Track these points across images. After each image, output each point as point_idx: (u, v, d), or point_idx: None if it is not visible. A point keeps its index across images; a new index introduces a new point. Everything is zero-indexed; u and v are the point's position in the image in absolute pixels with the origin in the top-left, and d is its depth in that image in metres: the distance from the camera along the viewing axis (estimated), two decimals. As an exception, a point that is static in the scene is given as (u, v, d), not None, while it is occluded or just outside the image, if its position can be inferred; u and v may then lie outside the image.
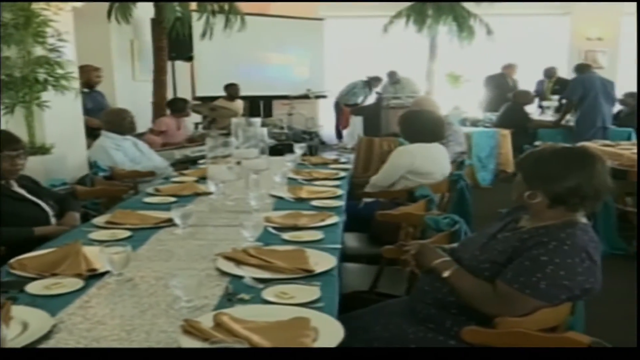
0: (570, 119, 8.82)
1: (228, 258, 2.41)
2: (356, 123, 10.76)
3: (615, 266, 4.73)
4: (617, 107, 9.05)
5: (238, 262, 2.37)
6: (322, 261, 2.40)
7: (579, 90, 8.33)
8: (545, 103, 10.06)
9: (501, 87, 10.39)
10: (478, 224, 2.46)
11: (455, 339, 2.08)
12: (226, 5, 8.72)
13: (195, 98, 10.22)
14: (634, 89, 9.68)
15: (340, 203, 3.52)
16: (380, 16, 11.55)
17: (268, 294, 2.07)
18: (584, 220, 2.18)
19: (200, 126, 8.29)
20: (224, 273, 2.28)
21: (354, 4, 12.26)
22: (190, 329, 1.74)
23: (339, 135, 12.23)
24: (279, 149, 6.76)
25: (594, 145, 6.35)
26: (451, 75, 12.53)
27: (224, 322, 1.77)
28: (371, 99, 11.55)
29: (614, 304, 4.08)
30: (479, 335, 1.96)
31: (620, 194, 5.09)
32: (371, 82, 11.88)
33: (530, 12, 12.60)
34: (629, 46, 12.60)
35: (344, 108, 11.98)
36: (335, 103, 12.20)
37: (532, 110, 9.59)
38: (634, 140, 7.75)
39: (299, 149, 5.09)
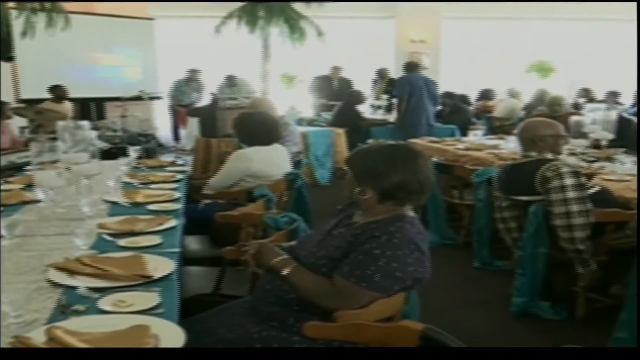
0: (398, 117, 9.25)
1: (60, 268, 2.29)
2: (193, 124, 10.63)
3: (447, 255, 5.05)
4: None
5: (71, 272, 2.26)
6: (161, 266, 2.34)
7: (406, 88, 8.73)
8: (376, 102, 10.47)
9: (325, 88, 10.66)
10: (319, 221, 2.52)
11: (299, 335, 2.11)
12: (48, 3, 8.28)
13: (20, 101, 9.63)
14: (454, 89, 10.35)
15: (179, 206, 3.46)
16: (213, 17, 11.47)
17: (104, 303, 1.99)
18: (411, 213, 2.31)
19: (26, 130, 7.80)
20: (56, 284, 2.17)
21: (184, 4, 12.07)
22: (20, 345, 1.64)
23: (176, 137, 12.02)
24: (113, 152, 6.53)
25: (421, 141, 6.69)
26: (285, 75, 12.72)
27: (57, 336, 1.68)
28: (206, 99, 11.46)
29: (447, 291, 4.34)
30: (320, 330, 2.02)
31: (447, 187, 5.39)
32: (192, 76, 11.76)
33: (358, 14, 13.04)
34: (449, 48, 13.46)
35: (179, 109, 11.80)
36: (170, 104, 11.99)
37: (365, 109, 9.94)
38: (458, 136, 8.26)
39: (133, 151, 4.94)
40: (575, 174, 3.65)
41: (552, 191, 3.62)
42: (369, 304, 2.10)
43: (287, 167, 4.36)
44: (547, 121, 4.16)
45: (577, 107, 8.48)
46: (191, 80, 11.81)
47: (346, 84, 10.99)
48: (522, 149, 4.01)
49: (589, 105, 8.12)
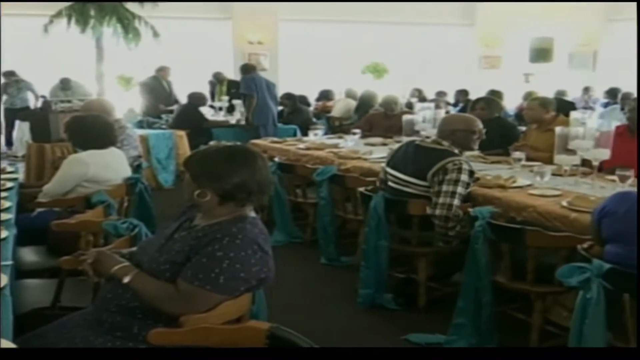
0: (240, 118, 9.27)
1: None
2: (24, 129, 10.01)
3: (294, 253, 5.13)
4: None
5: None
6: (-9, 281, 2.20)
7: (253, 87, 8.77)
8: (217, 104, 10.42)
9: (156, 90, 10.45)
10: (165, 225, 2.47)
11: (145, 344, 2.06)
12: None
13: None
14: (294, 90, 10.52)
15: (9, 216, 3.28)
16: (40, 15, 10.86)
17: None
18: (252, 214, 2.33)
19: None
20: None
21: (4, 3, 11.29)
22: None
23: (9, 142, 11.29)
24: None
25: (263, 142, 6.73)
26: (122, 77, 12.32)
27: None
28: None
29: (296, 288, 4.41)
30: (166, 336, 1.98)
31: (290, 187, 5.46)
32: (6, 80, 11.12)
33: (194, 15, 12.87)
34: (287, 49, 13.65)
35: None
36: (4, 109, 11.27)
37: (205, 110, 9.85)
38: (299, 136, 8.39)
39: (-45, 160, 4.59)
40: (471, 173, 3.81)
41: (445, 182, 3.72)
42: (215, 306, 2.10)
43: (126, 171, 4.23)
44: (463, 117, 4.31)
45: (409, 107, 8.89)
46: (8, 85, 11.12)
47: (170, 86, 10.81)
48: (437, 135, 4.06)
49: (420, 105, 8.54)
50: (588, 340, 2.46)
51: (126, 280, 2.17)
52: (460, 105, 10.62)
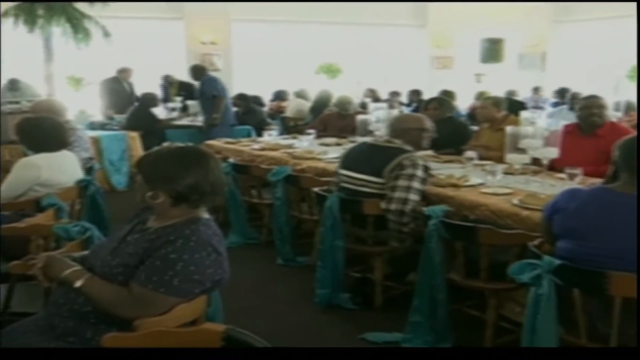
0: (194, 118, 9.20)
1: None
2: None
3: (250, 255, 5.10)
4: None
5: None
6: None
7: (220, 87, 8.71)
8: (170, 105, 10.32)
9: (117, 91, 10.32)
10: (119, 228, 2.43)
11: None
12: None
13: None
14: (248, 91, 10.46)
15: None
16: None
17: None
18: (206, 215, 2.31)
19: None
20: None
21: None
22: None
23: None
24: None
25: (217, 143, 6.66)
26: (72, 78, 12.08)
27: None
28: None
29: (253, 290, 4.39)
30: (121, 341, 1.95)
31: (245, 188, 5.43)
32: None
33: (146, 15, 12.69)
34: (241, 50, 13.57)
35: None
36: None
37: (158, 111, 9.74)
38: (253, 137, 8.34)
39: None
40: (426, 168, 3.87)
41: (401, 177, 3.75)
42: (170, 309, 2.08)
43: (78, 173, 4.16)
44: (414, 116, 4.46)
45: (363, 107, 8.93)
46: None
47: (132, 87, 10.69)
48: (389, 134, 4.12)
49: (374, 105, 8.58)
50: (540, 335, 2.50)
51: (78, 284, 2.13)
52: (414, 105, 10.71)
